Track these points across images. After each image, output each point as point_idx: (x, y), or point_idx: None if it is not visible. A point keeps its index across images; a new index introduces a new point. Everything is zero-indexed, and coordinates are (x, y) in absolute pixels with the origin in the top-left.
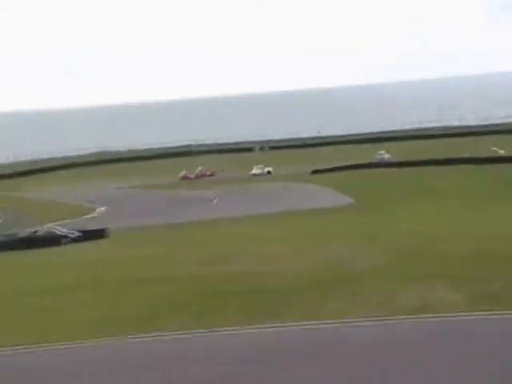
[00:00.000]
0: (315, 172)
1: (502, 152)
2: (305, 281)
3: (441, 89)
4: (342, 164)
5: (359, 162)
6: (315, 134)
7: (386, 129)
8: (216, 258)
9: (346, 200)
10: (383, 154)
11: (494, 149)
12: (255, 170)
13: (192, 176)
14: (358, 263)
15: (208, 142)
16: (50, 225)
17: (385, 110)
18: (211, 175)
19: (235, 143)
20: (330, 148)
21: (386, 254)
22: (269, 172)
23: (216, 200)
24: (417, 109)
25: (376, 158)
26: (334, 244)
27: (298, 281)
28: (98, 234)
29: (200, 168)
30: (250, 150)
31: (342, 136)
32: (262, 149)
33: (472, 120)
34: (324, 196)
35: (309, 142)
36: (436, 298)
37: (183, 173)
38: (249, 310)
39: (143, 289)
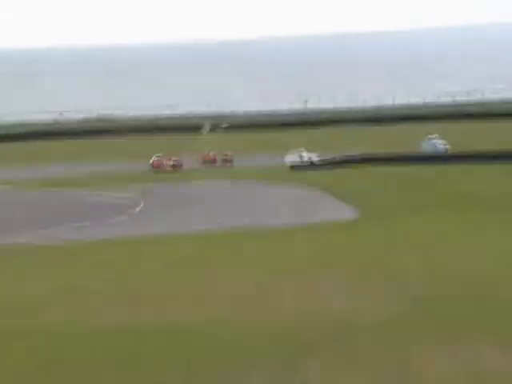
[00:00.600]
0: (297, 167)
1: None
2: (271, 342)
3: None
4: (349, 154)
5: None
6: (300, 107)
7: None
8: (122, 298)
9: (346, 212)
10: (435, 139)
11: None
12: (291, 158)
13: (168, 162)
14: (353, 314)
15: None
16: None
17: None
18: (226, 161)
19: (175, 118)
20: (329, 129)
21: (401, 301)
22: (312, 162)
23: (140, 207)
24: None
25: (424, 146)
26: (319, 281)
27: (255, 342)
28: None
29: (155, 158)
30: (197, 129)
31: (347, 111)
32: (214, 129)
33: None
34: (311, 205)
35: (290, 119)
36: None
37: (156, 158)
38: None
39: None
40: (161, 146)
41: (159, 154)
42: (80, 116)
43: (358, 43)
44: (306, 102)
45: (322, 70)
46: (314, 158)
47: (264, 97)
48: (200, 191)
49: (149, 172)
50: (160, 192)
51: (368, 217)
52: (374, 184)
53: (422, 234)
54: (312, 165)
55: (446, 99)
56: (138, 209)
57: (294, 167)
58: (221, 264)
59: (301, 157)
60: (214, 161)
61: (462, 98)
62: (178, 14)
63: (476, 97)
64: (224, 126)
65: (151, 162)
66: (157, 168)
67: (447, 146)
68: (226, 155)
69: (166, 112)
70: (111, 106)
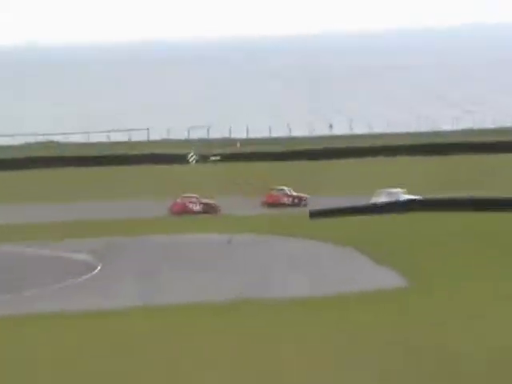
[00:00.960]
0: (318, 214)
1: None
2: None
3: None
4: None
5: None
6: (321, 132)
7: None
8: None
9: (389, 279)
10: None
11: None
12: (380, 197)
13: (195, 207)
14: None
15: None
16: None
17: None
18: (298, 201)
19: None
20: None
21: None
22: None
23: (98, 269)
24: None
25: None
26: None
27: None
28: None
29: (179, 199)
30: (180, 159)
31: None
32: (199, 158)
33: None
34: (339, 266)
35: (306, 146)
36: None
37: (179, 200)
38: None
39: None
40: (158, 178)
41: (190, 195)
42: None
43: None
44: (330, 126)
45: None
46: (413, 197)
47: (269, 115)
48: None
49: (168, 218)
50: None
51: (417, 288)
52: (435, 239)
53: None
54: (411, 204)
55: None
56: (97, 270)
57: (313, 215)
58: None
59: (397, 196)
60: (277, 202)
61: None
62: (177, 11)
63: None
64: (215, 158)
65: (171, 204)
66: (178, 213)
67: None
68: (299, 195)
69: (139, 136)
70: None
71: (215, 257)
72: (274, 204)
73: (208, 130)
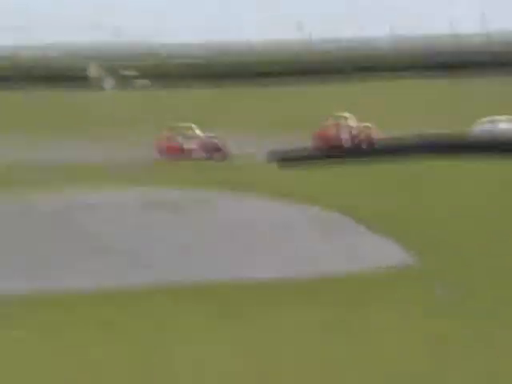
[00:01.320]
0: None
1: None
2: None
3: None
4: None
5: None
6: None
7: None
8: None
9: (389, 253)
10: None
11: None
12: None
13: (191, 145)
14: None
15: None
16: None
17: None
18: (364, 140)
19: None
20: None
21: None
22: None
23: None
24: None
25: None
26: None
27: None
28: None
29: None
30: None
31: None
32: (123, 80)
33: None
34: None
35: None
36: None
37: (167, 136)
38: None
39: None
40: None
41: (185, 125)
42: None
43: None
44: (299, 25)
45: None
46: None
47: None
48: None
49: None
50: None
51: (428, 264)
52: (446, 197)
53: None
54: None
55: None
56: None
57: (283, 163)
58: None
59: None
60: (335, 141)
61: None
62: None
63: None
64: (129, 72)
65: (160, 144)
66: (169, 154)
67: None
68: (360, 127)
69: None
70: None
71: (126, 231)
72: (331, 142)
73: (115, 31)
